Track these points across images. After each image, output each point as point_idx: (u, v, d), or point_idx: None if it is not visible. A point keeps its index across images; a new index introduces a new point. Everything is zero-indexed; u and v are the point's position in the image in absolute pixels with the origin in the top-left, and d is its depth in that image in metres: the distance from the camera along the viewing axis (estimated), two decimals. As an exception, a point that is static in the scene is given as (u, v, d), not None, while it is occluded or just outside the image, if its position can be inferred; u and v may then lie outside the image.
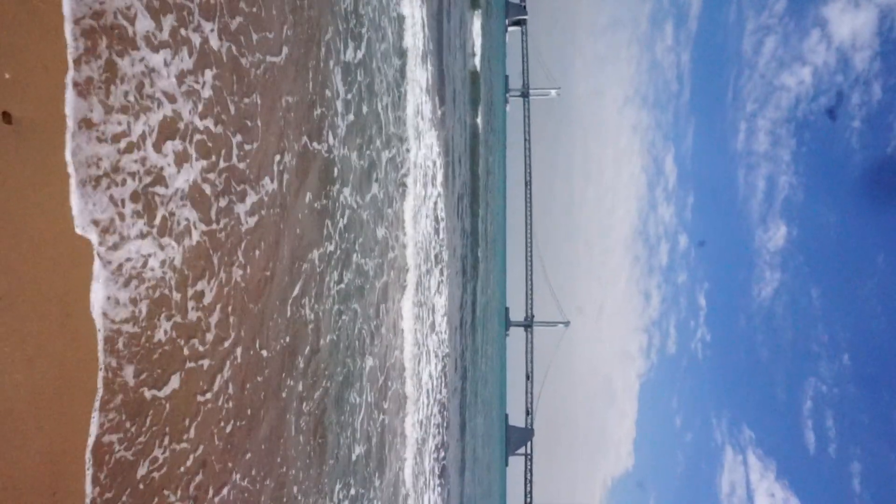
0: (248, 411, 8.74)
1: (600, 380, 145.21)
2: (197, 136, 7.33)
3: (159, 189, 6.73)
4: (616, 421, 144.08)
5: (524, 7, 64.67)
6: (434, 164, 25.52)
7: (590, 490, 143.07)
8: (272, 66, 9.43)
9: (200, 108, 7.37)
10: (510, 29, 65.28)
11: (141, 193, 6.44)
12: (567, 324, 65.40)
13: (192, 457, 7.20)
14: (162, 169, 6.72)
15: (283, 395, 10.11)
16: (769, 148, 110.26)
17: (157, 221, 6.71)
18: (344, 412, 13.48)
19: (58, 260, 5.73)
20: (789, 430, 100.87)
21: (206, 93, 7.52)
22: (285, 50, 9.94)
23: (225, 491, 8.01)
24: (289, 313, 10.28)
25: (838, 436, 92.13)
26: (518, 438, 61.70)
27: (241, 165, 8.47)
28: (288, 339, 10.26)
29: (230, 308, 8.13)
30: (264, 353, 9.28)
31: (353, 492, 14.02)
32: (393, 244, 18.33)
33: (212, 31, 7.66)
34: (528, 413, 63.63)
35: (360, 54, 14.32)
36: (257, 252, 9.05)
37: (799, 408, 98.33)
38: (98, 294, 5.90)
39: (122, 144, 6.19)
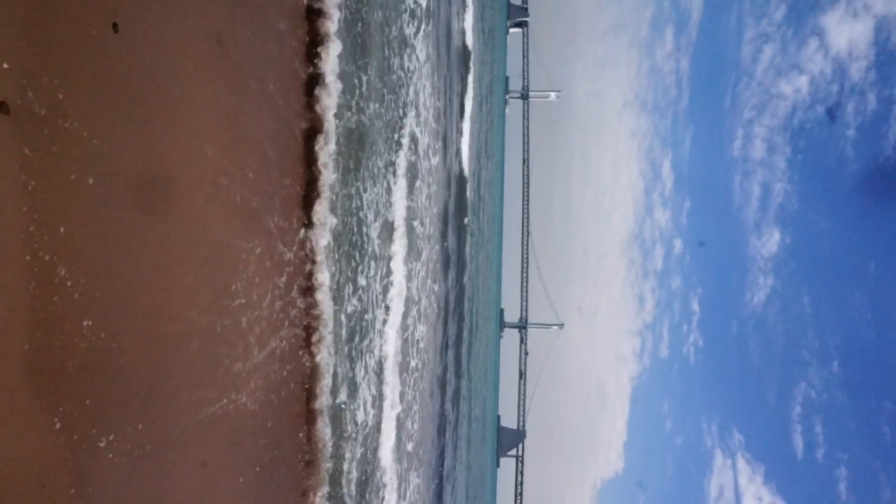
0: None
1: (593, 382, 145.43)
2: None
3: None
4: (608, 423, 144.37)
5: (526, 9, 64.60)
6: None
7: (580, 492, 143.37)
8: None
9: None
10: (511, 30, 65.20)
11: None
12: (561, 326, 65.46)
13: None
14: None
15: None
16: (765, 155, 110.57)
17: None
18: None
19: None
20: (778, 434, 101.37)
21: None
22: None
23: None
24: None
25: (826, 441, 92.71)
26: (510, 440, 61.75)
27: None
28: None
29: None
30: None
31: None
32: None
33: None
34: (520, 414, 63.72)
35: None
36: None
37: (788, 413, 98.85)
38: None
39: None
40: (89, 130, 6.74)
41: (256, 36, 10.75)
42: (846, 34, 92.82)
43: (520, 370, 64.01)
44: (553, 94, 66.57)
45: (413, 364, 24.49)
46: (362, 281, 16.97)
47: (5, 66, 5.60)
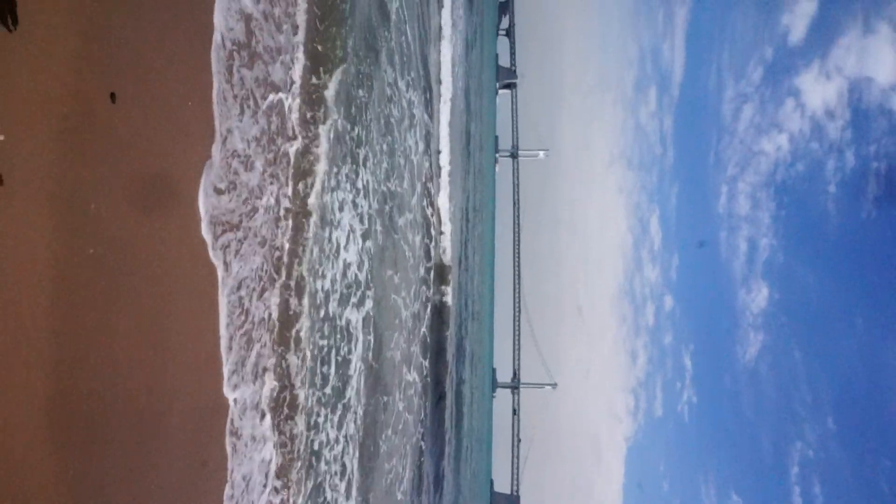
0: None
1: (587, 442, 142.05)
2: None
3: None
4: (603, 486, 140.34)
5: (514, 71, 66.33)
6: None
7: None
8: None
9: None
10: (500, 91, 66.71)
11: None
12: (554, 385, 64.15)
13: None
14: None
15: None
16: (749, 211, 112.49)
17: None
18: None
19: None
20: (777, 496, 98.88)
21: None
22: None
23: None
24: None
25: (826, 502, 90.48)
26: (503, 506, 59.41)
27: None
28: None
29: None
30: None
31: None
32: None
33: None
34: (513, 478, 61.55)
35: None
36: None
37: (786, 472, 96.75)
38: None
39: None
40: (87, 200, 6.71)
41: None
42: (821, 94, 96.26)
43: (513, 432, 62.25)
44: (541, 153, 67.56)
45: (399, 408, 23.44)
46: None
47: (2, 137, 5.63)
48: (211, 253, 8.97)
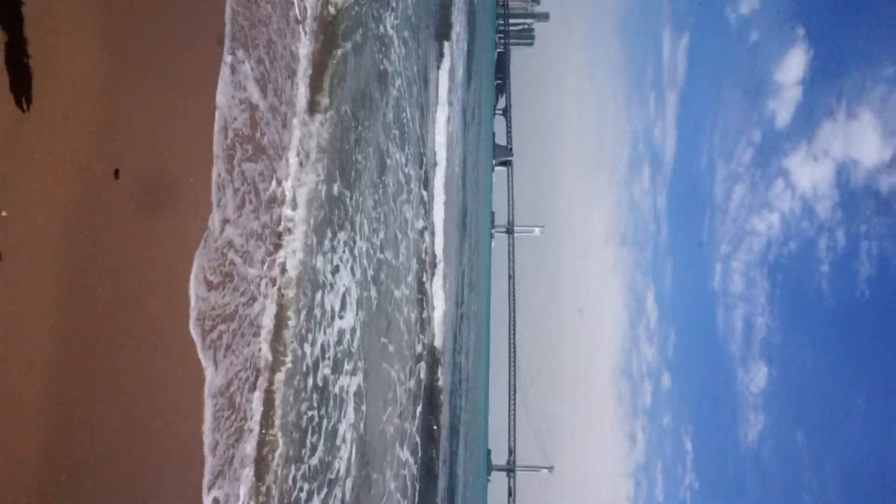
0: None
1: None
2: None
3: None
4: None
5: (510, 149, 67.97)
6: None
7: None
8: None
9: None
10: (496, 169, 68.03)
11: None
12: (551, 469, 61.70)
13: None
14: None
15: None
16: (744, 289, 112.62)
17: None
18: None
19: None
20: None
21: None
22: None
23: None
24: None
25: None
26: None
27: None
28: None
29: None
30: None
31: None
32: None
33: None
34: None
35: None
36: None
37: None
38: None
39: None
40: (86, 277, 6.60)
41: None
42: (809, 175, 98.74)
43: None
44: (537, 230, 68.12)
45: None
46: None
47: (3, 214, 5.64)
48: (200, 353, 8.59)
